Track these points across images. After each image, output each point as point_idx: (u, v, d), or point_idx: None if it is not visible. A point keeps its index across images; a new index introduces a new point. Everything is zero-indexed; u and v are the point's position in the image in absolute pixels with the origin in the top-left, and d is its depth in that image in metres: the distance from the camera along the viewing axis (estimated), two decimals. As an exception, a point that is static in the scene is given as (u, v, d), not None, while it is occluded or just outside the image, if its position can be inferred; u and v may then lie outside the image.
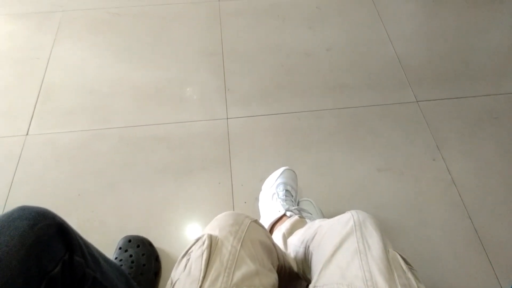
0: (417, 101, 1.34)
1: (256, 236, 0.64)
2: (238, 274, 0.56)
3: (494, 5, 1.62)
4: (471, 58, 1.45)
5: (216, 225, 0.64)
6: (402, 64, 1.44)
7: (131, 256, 0.95)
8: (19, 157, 1.21)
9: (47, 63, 1.45)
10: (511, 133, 1.25)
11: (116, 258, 0.96)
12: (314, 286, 0.59)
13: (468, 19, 1.58)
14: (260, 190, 1.12)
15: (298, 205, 1.05)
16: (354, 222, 0.64)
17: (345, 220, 0.66)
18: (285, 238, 0.88)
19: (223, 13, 1.62)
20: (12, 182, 1.16)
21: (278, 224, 0.96)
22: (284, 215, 0.96)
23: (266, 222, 0.99)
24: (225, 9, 1.63)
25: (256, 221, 0.68)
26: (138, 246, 0.98)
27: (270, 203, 1.02)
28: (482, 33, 1.53)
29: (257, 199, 1.11)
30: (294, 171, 1.09)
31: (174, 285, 0.57)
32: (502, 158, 1.20)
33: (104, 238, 1.04)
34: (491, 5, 1.62)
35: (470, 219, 1.09)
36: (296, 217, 0.93)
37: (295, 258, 0.78)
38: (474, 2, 1.64)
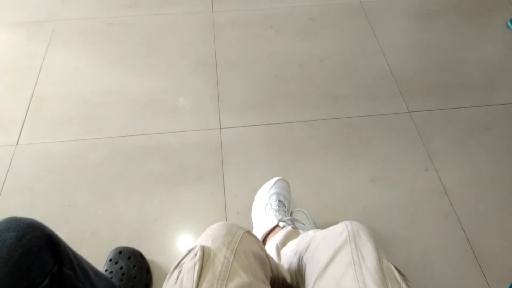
0: (409, 112, 1.35)
1: (249, 247, 0.64)
2: (231, 286, 0.55)
3: (484, 18, 1.65)
4: (462, 70, 1.47)
5: (208, 236, 0.64)
6: (394, 75, 1.45)
7: (121, 268, 0.94)
8: (9, 167, 1.20)
9: (39, 72, 1.45)
10: (502, 143, 1.27)
11: (106, 270, 0.94)
12: (308, 298, 0.59)
13: (459, 32, 1.60)
14: (253, 200, 1.11)
15: (291, 215, 1.04)
16: (348, 233, 0.63)
17: (339, 231, 0.65)
18: (278, 249, 0.87)
19: (217, 24, 1.62)
20: (1, 192, 1.14)
21: (271, 235, 0.95)
22: (277, 225, 0.95)
23: (259, 233, 0.98)
24: (219, 19, 1.64)
25: (249, 232, 0.67)
26: (129, 258, 0.96)
27: (263, 213, 1.01)
28: (473, 45, 1.56)
29: (250, 209, 1.10)
30: (287, 181, 1.09)
31: (166, 297, 0.56)
32: (494, 168, 1.21)
33: (95, 250, 1.02)
34: (481, 19, 1.65)
35: (463, 230, 1.09)
36: (290, 227, 0.92)
37: (289, 270, 0.78)
38: (464, 15, 1.66)
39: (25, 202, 1.13)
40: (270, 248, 0.89)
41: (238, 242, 0.63)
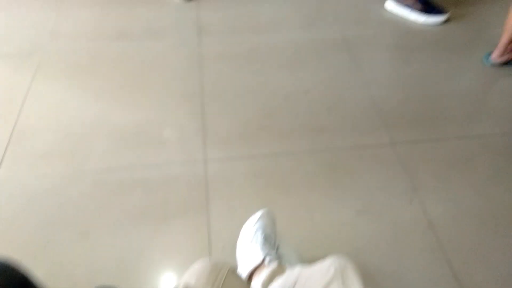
0: (392, 144, 1.36)
1: (234, 286, 0.62)
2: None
3: (461, 54, 1.71)
4: (442, 102, 1.51)
5: (193, 274, 0.62)
6: (378, 107, 1.48)
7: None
8: (-14, 202, 1.16)
9: (22, 105, 1.43)
10: (484, 175, 1.29)
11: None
12: None
13: (438, 65, 1.66)
14: (238, 234, 1.09)
15: (277, 249, 1.02)
16: (335, 270, 0.63)
17: (326, 267, 0.64)
18: (264, 286, 0.85)
19: (203, 57, 1.65)
20: (-23, 228, 1.10)
21: (257, 271, 0.93)
22: (263, 261, 0.94)
23: (245, 269, 0.96)
24: (206, 52, 1.67)
25: (234, 271, 0.66)
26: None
27: (249, 248, 1.00)
28: (451, 79, 1.61)
29: (235, 244, 1.08)
30: (272, 214, 1.08)
31: None
32: (477, 200, 1.22)
33: (74, 289, 0.98)
34: (459, 54, 1.71)
35: (448, 263, 1.08)
36: (275, 264, 0.91)
37: (275, 308, 0.76)
38: (442, 50, 1.72)
39: (1, 238, 1.09)
40: (256, 285, 0.87)
41: (223, 280, 0.61)
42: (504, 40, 1.55)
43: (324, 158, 1.32)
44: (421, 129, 1.42)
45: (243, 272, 0.96)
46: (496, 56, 1.61)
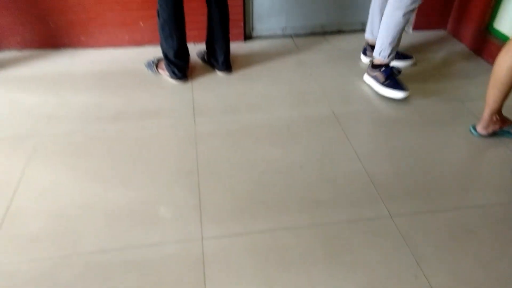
0: (391, 216, 1.35)
1: None
2: None
3: (448, 125, 1.78)
4: (435, 173, 1.53)
5: None
6: (372, 179, 1.49)
7: None
8: (-30, 292, 1.09)
9: (16, 188, 1.42)
10: (487, 246, 1.26)
11: None
12: None
13: (425, 136, 1.71)
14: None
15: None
16: None
17: None
18: None
19: (199, 135, 1.68)
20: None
21: None
22: None
23: None
24: (201, 130, 1.71)
25: None
26: None
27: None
28: (442, 149, 1.64)
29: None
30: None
31: None
32: (482, 272, 1.18)
33: None
34: (446, 126, 1.77)
35: None
36: None
37: None
38: (429, 123, 1.79)
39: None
40: None
41: None
42: (486, 113, 1.62)
43: (322, 233, 1.29)
44: (419, 200, 1.41)
45: None
46: (481, 128, 1.67)
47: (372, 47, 2.09)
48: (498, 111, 1.61)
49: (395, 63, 2.13)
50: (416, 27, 2.55)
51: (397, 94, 1.91)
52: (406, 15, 1.79)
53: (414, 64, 2.19)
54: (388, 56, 1.91)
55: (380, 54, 1.92)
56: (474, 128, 1.69)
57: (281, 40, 2.47)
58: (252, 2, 2.35)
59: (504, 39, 2.08)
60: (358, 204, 1.39)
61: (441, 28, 2.59)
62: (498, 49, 1.51)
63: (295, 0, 2.39)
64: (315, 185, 1.47)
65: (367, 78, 2.04)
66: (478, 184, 1.49)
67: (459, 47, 2.40)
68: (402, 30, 1.85)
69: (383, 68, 1.93)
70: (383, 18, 1.87)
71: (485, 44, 2.24)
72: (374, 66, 1.97)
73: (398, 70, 1.95)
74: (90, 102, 1.88)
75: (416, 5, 1.77)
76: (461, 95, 1.97)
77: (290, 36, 2.50)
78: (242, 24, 2.36)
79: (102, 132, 1.69)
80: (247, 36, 2.46)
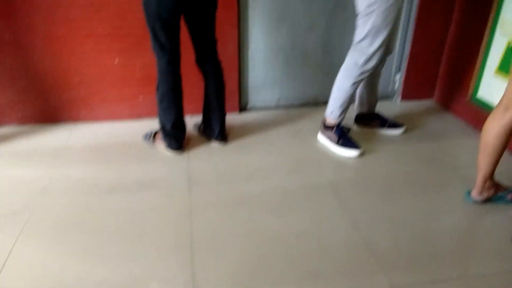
0: (392, 288, 1.30)
1: None
2: None
3: (441, 192, 1.78)
4: (434, 241, 1.50)
5: None
6: (370, 248, 1.46)
7: None
8: None
9: (3, 265, 1.37)
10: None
11: None
12: None
13: (422, 203, 1.70)
14: None
15: None
16: None
17: None
18: None
19: (193, 206, 1.67)
20: None
21: None
22: None
23: None
24: (195, 202, 1.70)
25: None
26: None
27: None
28: (438, 217, 1.63)
29: None
30: None
31: None
32: None
33: None
34: (439, 192, 1.78)
35: None
36: None
37: None
38: (422, 190, 1.80)
39: None
40: None
41: None
42: (479, 179, 1.63)
43: (322, 308, 1.23)
44: (419, 270, 1.37)
45: None
46: (475, 194, 1.67)
47: (363, 115, 2.21)
48: (491, 177, 1.62)
49: (388, 132, 2.24)
50: (404, 97, 2.65)
51: (351, 153, 2.03)
52: (354, 84, 1.94)
53: (405, 132, 2.26)
54: (339, 117, 2.04)
55: (332, 114, 2.05)
56: (468, 195, 1.69)
57: (275, 111, 2.55)
58: (247, 75, 2.47)
59: (488, 108, 2.16)
60: (357, 275, 1.35)
61: (428, 98, 2.70)
62: (484, 117, 1.56)
63: (288, 73, 2.51)
64: (312, 255, 1.43)
65: (321, 138, 2.14)
66: (477, 252, 1.46)
67: (447, 116, 2.49)
68: (351, 96, 1.99)
69: (334, 129, 2.05)
70: (335, 80, 2.01)
71: (471, 112, 2.32)
72: (326, 127, 2.09)
73: (348, 128, 2.10)
74: (86, 175, 1.88)
75: (364, 76, 1.91)
76: (452, 161, 2.00)
77: (284, 107, 2.60)
78: (237, 96, 2.46)
79: (96, 205, 1.68)
80: (242, 108, 2.55)
